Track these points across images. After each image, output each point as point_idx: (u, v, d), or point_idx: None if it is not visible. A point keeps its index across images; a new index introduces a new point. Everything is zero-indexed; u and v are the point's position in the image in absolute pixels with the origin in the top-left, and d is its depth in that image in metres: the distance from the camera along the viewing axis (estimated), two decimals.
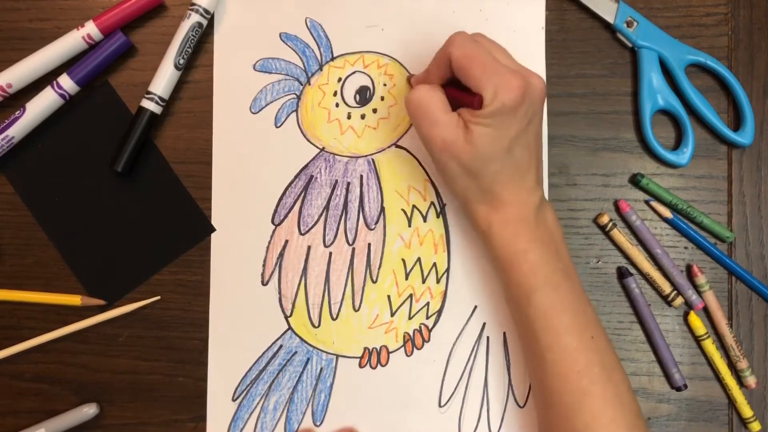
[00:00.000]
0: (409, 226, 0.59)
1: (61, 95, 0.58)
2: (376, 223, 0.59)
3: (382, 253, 0.59)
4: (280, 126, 0.60)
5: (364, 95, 0.60)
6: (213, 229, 0.59)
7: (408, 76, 0.59)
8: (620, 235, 0.59)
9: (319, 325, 0.59)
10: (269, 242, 0.59)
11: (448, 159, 0.51)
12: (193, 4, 0.58)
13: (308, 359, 0.59)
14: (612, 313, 0.59)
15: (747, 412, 0.58)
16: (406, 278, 0.59)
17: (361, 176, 0.59)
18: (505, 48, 0.53)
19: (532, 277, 0.51)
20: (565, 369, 0.50)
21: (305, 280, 0.59)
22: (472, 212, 0.53)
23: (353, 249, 0.59)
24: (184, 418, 0.59)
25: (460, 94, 0.51)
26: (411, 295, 0.59)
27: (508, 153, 0.50)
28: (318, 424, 0.59)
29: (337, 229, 0.59)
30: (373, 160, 0.60)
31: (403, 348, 0.59)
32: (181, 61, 0.58)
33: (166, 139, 0.60)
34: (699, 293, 0.59)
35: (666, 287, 0.59)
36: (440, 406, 0.59)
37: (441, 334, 0.59)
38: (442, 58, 0.51)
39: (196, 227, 0.59)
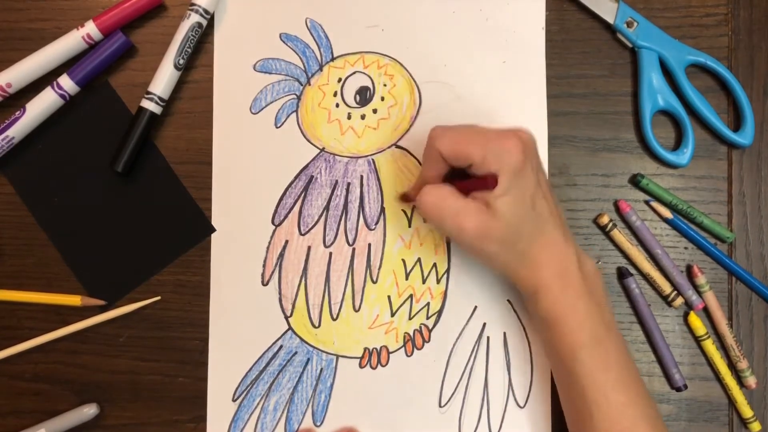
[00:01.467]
0: (410, 226, 0.59)
1: (61, 95, 0.58)
2: (377, 223, 0.59)
3: (383, 253, 0.59)
4: (280, 126, 0.60)
5: (364, 96, 0.60)
6: (213, 230, 0.59)
7: (399, 194, 0.59)
8: (620, 236, 0.59)
9: (319, 325, 0.59)
10: (269, 242, 0.59)
11: (483, 242, 0.50)
12: (193, 4, 0.58)
13: (308, 359, 0.59)
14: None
15: (747, 412, 0.58)
16: (407, 278, 0.59)
17: (362, 176, 0.59)
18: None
19: (579, 333, 0.51)
20: (613, 425, 0.50)
21: (305, 281, 0.59)
22: (518, 280, 0.53)
23: (353, 249, 0.59)
24: (184, 419, 0.59)
25: (470, 183, 0.51)
26: (411, 296, 0.59)
27: (533, 210, 0.50)
28: (318, 424, 0.59)
29: (338, 229, 0.59)
30: (373, 160, 0.60)
31: (403, 348, 0.59)
32: (181, 62, 0.58)
33: (166, 139, 0.60)
34: (699, 293, 0.59)
35: (666, 287, 0.59)
36: (440, 406, 0.59)
37: (441, 335, 0.59)
38: (433, 158, 0.52)
39: (196, 227, 0.59)
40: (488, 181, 0.49)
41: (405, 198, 0.59)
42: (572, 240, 0.53)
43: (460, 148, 0.50)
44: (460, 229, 0.50)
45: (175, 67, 0.58)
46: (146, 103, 0.58)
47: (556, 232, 0.51)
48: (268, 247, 0.59)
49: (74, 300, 0.59)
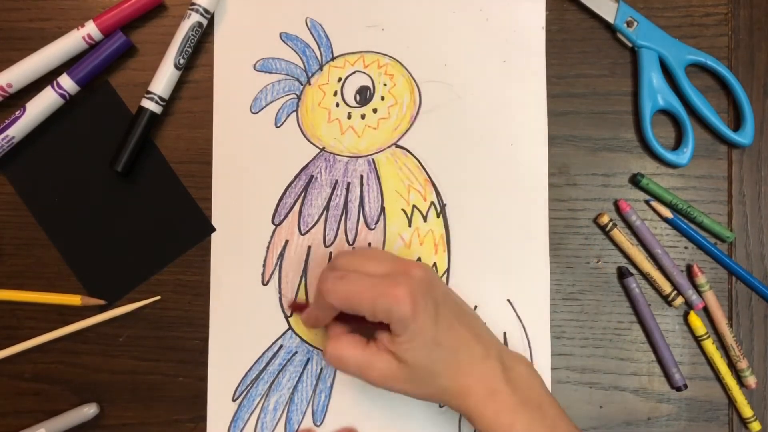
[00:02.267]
0: (410, 226, 0.59)
1: (62, 95, 0.58)
2: (377, 223, 0.59)
3: None
4: (280, 126, 0.60)
5: (364, 95, 0.60)
6: (213, 229, 0.59)
7: (293, 304, 0.58)
8: (620, 235, 0.59)
9: None
10: (269, 242, 0.59)
11: (395, 384, 0.50)
12: (193, 4, 0.58)
13: (308, 359, 0.59)
14: (612, 313, 0.59)
15: (747, 412, 0.58)
16: None
17: (362, 176, 0.59)
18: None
19: None
20: None
21: (306, 280, 0.59)
22: (449, 406, 0.51)
23: (353, 249, 0.59)
24: (184, 418, 0.59)
25: (366, 322, 0.50)
26: None
27: (440, 347, 0.49)
28: (318, 424, 0.59)
29: (338, 229, 0.59)
30: (373, 160, 0.60)
31: None
32: (181, 61, 0.58)
33: (167, 139, 0.60)
34: (699, 293, 0.59)
35: (666, 287, 0.59)
36: (440, 406, 0.59)
37: None
38: (325, 307, 0.51)
39: (196, 227, 0.59)
40: (384, 324, 0.49)
41: (294, 308, 0.58)
42: (495, 349, 0.51)
43: (350, 304, 0.49)
44: (367, 380, 0.51)
45: (176, 66, 0.58)
46: (146, 103, 0.58)
47: (473, 355, 0.50)
48: (268, 247, 0.59)
49: (74, 300, 0.59)
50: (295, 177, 0.59)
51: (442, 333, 0.49)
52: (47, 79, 0.58)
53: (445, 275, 0.59)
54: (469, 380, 0.50)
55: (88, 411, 0.58)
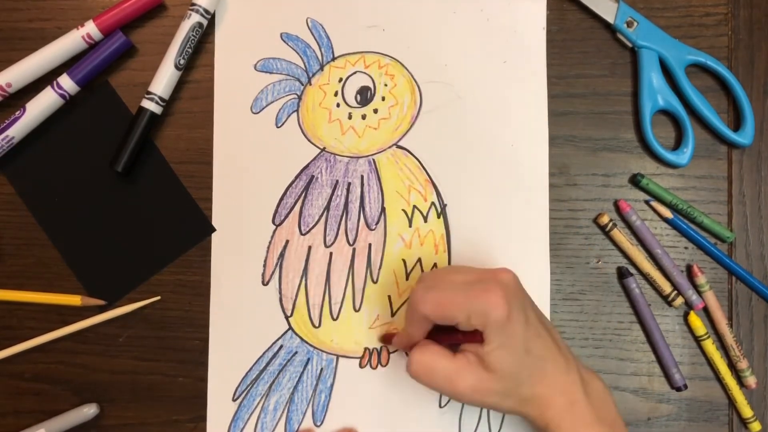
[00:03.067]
0: (410, 226, 0.59)
1: (61, 95, 0.58)
2: (377, 223, 0.59)
3: (383, 253, 0.59)
4: (280, 126, 0.60)
5: (365, 95, 0.60)
6: (213, 229, 0.59)
7: (384, 336, 0.58)
8: (620, 235, 0.59)
9: (319, 325, 0.59)
10: (270, 242, 0.59)
11: (482, 397, 0.49)
12: (194, 4, 0.58)
13: (308, 359, 0.59)
14: (612, 313, 0.59)
15: (747, 412, 0.58)
16: (407, 278, 0.59)
17: (362, 176, 0.59)
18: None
19: None
20: None
21: (306, 280, 0.59)
22: (526, 418, 0.51)
23: (354, 249, 0.59)
24: (184, 419, 0.59)
25: (457, 338, 0.51)
26: None
27: (529, 355, 0.49)
28: (318, 424, 0.59)
29: (338, 229, 0.59)
30: (373, 160, 0.60)
31: None
32: (182, 61, 0.58)
33: (167, 139, 0.60)
34: (699, 293, 0.59)
35: (666, 287, 0.59)
36: (440, 406, 0.59)
37: None
38: (417, 320, 0.51)
39: (197, 227, 0.59)
40: (476, 337, 0.49)
41: (385, 339, 0.58)
42: (574, 362, 0.51)
43: (443, 311, 0.49)
44: (455, 391, 0.50)
45: (176, 67, 0.58)
46: (146, 103, 0.58)
47: (557, 366, 0.50)
48: (268, 247, 0.59)
49: (74, 300, 0.59)
50: (296, 177, 0.59)
51: (531, 340, 0.49)
52: (47, 79, 0.58)
53: None
54: (551, 391, 0.50)
55: (88, 411, 0.58)
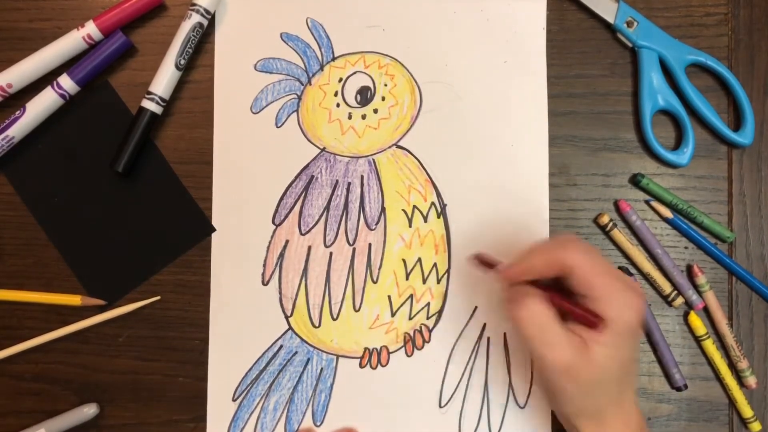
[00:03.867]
0: (410, 226, 0.59)
1: (61, 95, 0.58)
2: (377, 223, 0.59)
3: (383, 253, 0.59)
4: (280, 126, 0.60)
5: (365, 95, 0.60)
6: (213, 229, 0.59)
7: (480, 256, 0.52)
8: (620, 235, 0.59)
9: (319, 325, 0.59)
10: (270, 242, 0.59)
11: (567, 381, 0.48)
12: (194, 4, 0.58)
13: (308, 359, 0.59)
14: None
15: (747, 412, 0.58)
16: (407, 278, 0.59)
17: (362, 176, 0.59)
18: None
19: None
20: None
21: (306, 280, 0.59)
22: (577, 427, 0.50)
23: (354, 249, 0.59)
24: (184, 419, 0.59)
25: (574, 309, 0.48)
26: (411, 296, 0.59)
27: (624, 373, 0.49)
28: (318, 424, 0.58)
29: (338, 229, 0.59)
30: (373, 160, 0.60)
31: (403, 348, 0.59)
32: (182, 62, 0.58)
33: (167, 139, 0.60)
34: (699, 293, 0.59)
35: (666, 287, 0.59)
36: (440, 406, 0.59)
37: (441, 335, 0.59)
38: (554, 261, 0.48)
39: (197, 227, 0.59)
40: (593, 322, 0.47)
41: (481, 260, 0.52)
42: (637, 409, 0.51)
43: (594, 279, 0.47)
44: (545, 359, 0.47)
45: (176, 67, 0.58)
46: (147, 104, 0.58)
47: (632, 390, 0.50)
48: (268, 247, 0.59)
49: (74, 300, 0.59)
50: (296, 177, 0.59)
51: (631, 362, 0.49)
52: (47, 79, 0.58)
53: (446, 276, 0.59)
54: (617, 419, 0.49)
55: (88, 411, 0.58)
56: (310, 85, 0.60)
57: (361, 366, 0.59)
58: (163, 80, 0.58)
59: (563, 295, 0.49)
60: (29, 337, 0.59)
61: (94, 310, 0.59)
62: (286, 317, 0.59)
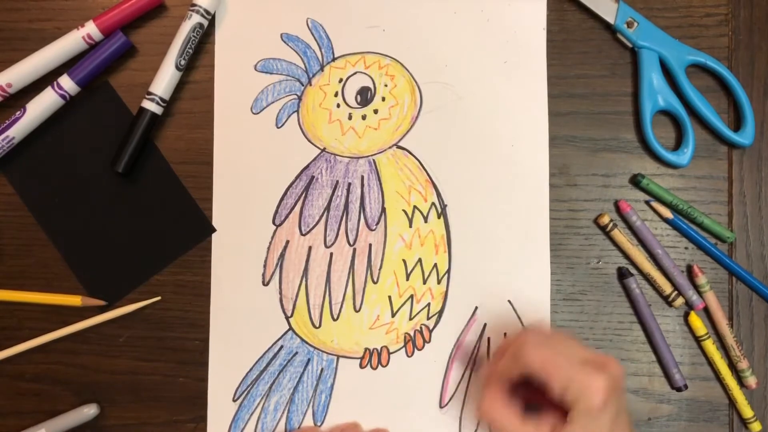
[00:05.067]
0: (410, 226, 0.59)
1: (62, 95, 0.58)
2: (377, 223, 0.59)
3: (383, 253, 0.59)
4: (281, 126, 0.60)
5: (365, 96, 0.60)
6: (213, 230, 0.59)
7: (473, 368, 0.59)
8: (621, 236, 0.59)
9: (319, 325, 0.59)
10: (270, 243, 0.59)
11: None
12: (194, 5, 0.57)
13: (309, 360, 0.59)
14: (612, 313, 0.59)
15: (747, 412, 0.58)
16: (407, 279, 0.59)
17: (362, 177, 0.59)
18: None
19: None
20: None
21: (306, 281, 0.59)
22: None
23: (354, 249, 0.59)
24: (184, 419, 0.59)
25: (539, 399, 0.50)
26: (412, 296, 0.59)
27: None
28: (319, 424, 0.59)
29: (338, 229, 0.59)
30: (374, 160, 0.60)
31: (403, 349, 0.59)
32: (183, 62, 0.58)
33: (167, 139, 0.60)
34: (699, 293, 0.59)
35: (666, 287, 0.59)
36: (441, 406, 0.59)
37: (442, 335, 0.59)
38: (514, 364, 0.50)
39: (197, 228, 0.59)
40: (558, 411, 0.48)
41: (461, 357, 0.59)
42: None
43: (546, 372, 0.48)
44: None
45: (177, 67, 0.58)
46: (147, 104, 0.58)
47: None
48: (268, 247, 0.59)
49: (74, 300, 0.59)
50: (296, 177, 0.59)
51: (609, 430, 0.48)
52: (47, 79, 0.58)
53: (446, 276, 0.59)
54: None
55: (88, 411, 0.58)
56: (311, 85, 0.60)
57: (361, 366, 0.59)
58: (164, 80, 0.58)
59: (530, 390, 0.50)
60: (29, 337, 0.59)
61: (95, 310, 0.59)
62: (287, 318, 0.59)
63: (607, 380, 0.47)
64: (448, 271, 0.59)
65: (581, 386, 0.47)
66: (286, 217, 0.59)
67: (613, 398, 0.48)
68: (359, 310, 0.59)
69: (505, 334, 0.59)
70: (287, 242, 0.59)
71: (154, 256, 0.60)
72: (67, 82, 0.57)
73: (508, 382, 0.51)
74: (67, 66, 0.58)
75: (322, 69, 0.60)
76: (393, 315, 0.59)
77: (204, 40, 0.59)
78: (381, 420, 0.58)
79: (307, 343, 0.59)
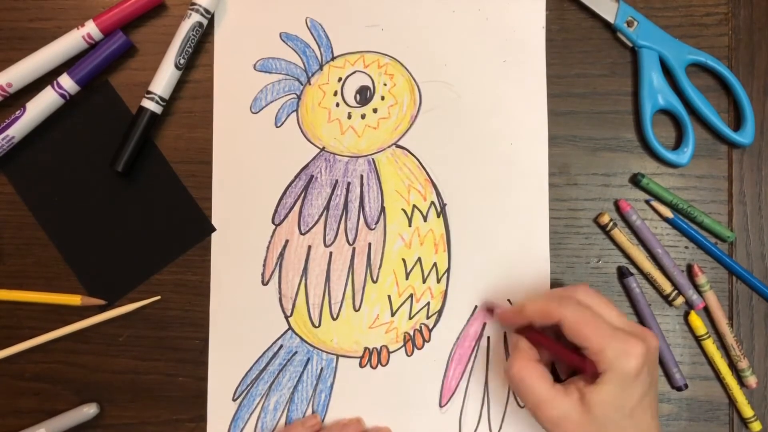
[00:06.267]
0: (410, 225, 0.59)
1: (62, 95, 0.58)
2: (377, 222, 0.59)
3: (383, 252, 0.59)
4: (280, 126, 0.60)
5: (364, 95, 0.60)
6: (213, 229, 0.59)
7: (491, 306, 0.58)
8: (621, 235, 0.59)
9: (319, 324, 0.59)
10: (269, 242, 0.59)
11: (558, 430, 0.49)
12: (194, 4, 0.58)
13: (308, 359, 0.59)
14: None
15: (747, 411, 0.58)
16: (407, 278, 0.59)
17: (362, 176, 0.59)
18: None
19: None
20: None
21: (305, 280, 0.59)
22: None
23: (353, 249, 0.59)
24: (184, 418, 0.59)
25: (570, 356, 0.50)
26: (411, 295, 0.59)
27: (631, 419, 0.48)
28: None
29: (338, 228, 0.59)
30: (373, 159, 0.60)
31: (403, 348, 0.59)
32: (182, 61, 0.58)
33: (167, 138, 0.60)
34: (699, 293, 0.59)
35: (667, 287, 0.58)
36: (441, 406, 0.59)
37: (441, 334, 0.59)
38: (545, 313, 0.50)
39: (197, 227, 0.59)
40: (588, 368, 0.48)
41: (489, 307, 0.58)
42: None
43: (584, 331, 0.48)
44: (536, 416, 0.50)
45: (176, 66, 0.58)
46: (147, 103, 0.58)
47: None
48: (268, 247, 0.59)
49: (74, 300, 0.59)
50: (295, 177, 0.59)
51: (638, 409, 0.48)
52: (47, 79, 0.58)
53: (446, 275, 0.59)
54: None
55: (88, 411, 0.58)
56: (310, 84, 0.60)
57: (361, 366, 0.59)
58: (163, 80, 0.58)
59: (559, 343, 0.51)
60: (29, 337, 0.59)
61: (94, 309, 0.59)
62: (286, 317, 0.59)
63: (645, 347, 0.47)
64: (448, 270, 0.59)
65: (618, 350, 0.47)
66: (286, 216, 0.59)
67: (647, 368, 0.48)
68: (359, 310, 0.59)
69: (505, 333, 0.59)
70: (287, 241, 0.59)
71: (153, 255, 0.60)
72: (67, 82, 0.58)
73: (532, 323, 0.51)
74: (67, 65, 0.58)
75: (321, 68, 0.60)
76: (392, 314, 0.59)
77: (203, 39, 0.60)
78: (381, 419, 0.58)
79: (306, 342, 0.59)
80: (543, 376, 0.50)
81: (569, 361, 0.50)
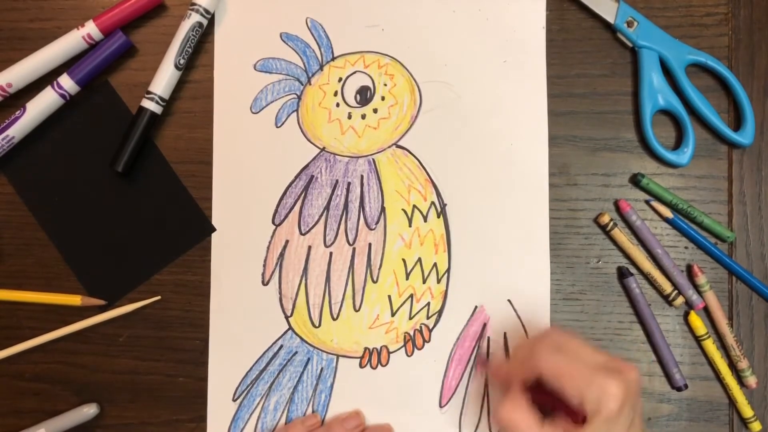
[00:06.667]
0: (410, 226, 0.59)
1: (62, 95, 0.58)
2: (377, 223, 0.59)
3: (383, 253, 0.59)
4: (280, 126, 0.60)
5: (364, 95, 0.60)
6: (213, 229, 0.59)
7: (479, 359, 0.59)
8: (621, 235, 0.59)
9: (319, 325, 0.59)
10: (270, 242, 0.59)
11: None
12: (194, 4, 0.58)
13: (309, 359, 0.59)
14: (612, 313, 0.59)
15: (747, 412, 0.58)
16: (407, 278, 0.59)
17: (362, 176, 0.59)
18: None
19: None
20: None
21: (306, 280, 0.59)
22: None
23: (354, 249, 0.59)
24: (184, 418, 0.59)
25: (556, 404, 0.49)
26: (411, 295, 0.59)
27: None
28: None
29: (338, 229, 0.59)
30: (373, 160, 0.60)
31: (403, 348, 0.59)
32: (182, 61, 0.58)
33: (167, 139, 0.60)
34: (699, 293, 0.59)
35: (666, 287, 0.59)
36: (441, 406, 0.59)
37: (441, 335, 0.59)
38: (528, 370, 0.50)
39: (197, 227, 0.59)
40: (576, 417, 0.48)
41: (480, 361, 0.58)
42: None
43: (560, 379, 0.48)
44: None
45: (176, 66, 0.58)
46: (147, 103, 0.58)
47: None
48: (268, 247, 0.59)
49: (74, 300, 0.59)
50: (296, 177, 0.59)
51: None
52: (47, 79, 0.58)
53: (446, 275, 0.59)
54: None
55: (88, 411, 0.58)
56: (310, 84, 0.60)
57: (361, 366, 0.59)
58: (163, 80, 0.58)
59: (548, 394, 0.50)
60: (29, 337, 0.59)
61: (94, 310, 0.59)
62: (286, 317, 0.59)
63: (624, 384, 0.47)
64: (448, 271, 0.59)
65: (597, 392, 0.47)
66: (286, 216, 0.59)
67: (629, 403, 0.48)
68: (359, 310, 0.59)
69: (505, 333, 0.59)
70: (287, 242, 0.59)
71: (153, 255, 0.60)
72: (67, 82, 0.58)
73: (523, 384, 0.51)
74: (67, 65, 0.58)
75: (321, 68, 0.60)
76: (393, 314, 0.59)
77: (203, 39, 0.60)
78: (380, 419, 0.58)
79: (306, 342, 0.59)
80: (532, 418, 0.50)
81: (556, 408, 0.50)
